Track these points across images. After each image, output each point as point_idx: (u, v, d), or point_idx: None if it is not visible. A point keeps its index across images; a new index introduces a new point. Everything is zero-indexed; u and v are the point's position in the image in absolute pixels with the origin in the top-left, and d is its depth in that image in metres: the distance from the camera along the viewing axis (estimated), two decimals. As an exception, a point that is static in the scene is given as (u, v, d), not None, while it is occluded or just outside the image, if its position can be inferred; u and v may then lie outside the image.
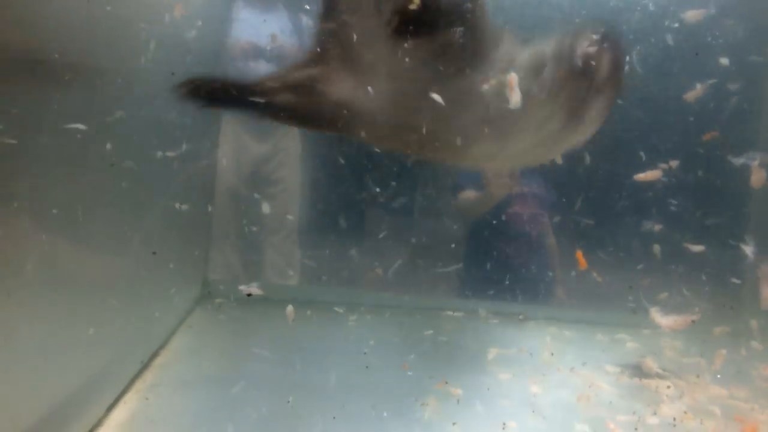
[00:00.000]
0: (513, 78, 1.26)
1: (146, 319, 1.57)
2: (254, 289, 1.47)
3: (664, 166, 1.88)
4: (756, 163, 1.63)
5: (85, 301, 1.15)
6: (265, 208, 2.22)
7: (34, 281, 0.93)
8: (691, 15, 1.79)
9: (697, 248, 1.87)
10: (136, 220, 1.40)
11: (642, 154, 2.05)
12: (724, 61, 1.91)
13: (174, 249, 1.81)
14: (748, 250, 1.65)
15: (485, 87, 1.30)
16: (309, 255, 2.44)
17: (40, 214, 0.94)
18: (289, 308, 1.55)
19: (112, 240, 1.26)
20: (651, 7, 2.11)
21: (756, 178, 1.63)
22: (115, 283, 1.30)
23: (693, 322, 1.58)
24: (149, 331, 1.59)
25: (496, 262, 2.27)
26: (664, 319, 1.54)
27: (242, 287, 1.46)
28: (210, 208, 2.28)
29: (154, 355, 1.57)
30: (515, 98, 1.27)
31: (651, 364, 1.74)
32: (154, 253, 1.55)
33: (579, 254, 2.13)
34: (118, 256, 1.32)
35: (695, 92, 1.82)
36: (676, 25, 2.10)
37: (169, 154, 1.63)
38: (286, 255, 2.53)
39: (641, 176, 1.82)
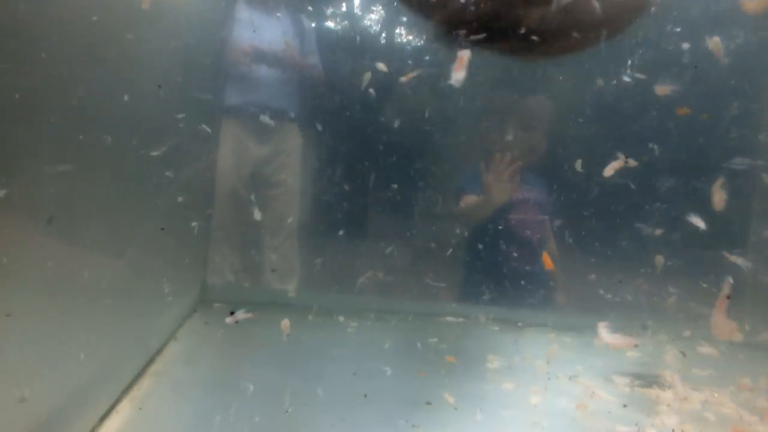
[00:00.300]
0: (465, 54, 1.23)
1: (142, 324, 1.56)
2: (241, 315, 1.45)
3: (622, 156, 1.86)
4: (718, 184, 1.62)
5: (79, 306, 1.13)
6: (257, 215, 2.20)
7: (27, 286, 0.92)
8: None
9: (740, 260, 1.85)
10: (132, 223, 1.39)
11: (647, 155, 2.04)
12: (686, 45, 1.91)
13: (172, 252, 1.80)
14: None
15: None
16: (309, 258, 2.44)
17: (35, 218, 0.93)
18: (285, 322, 1.54)
19: (108, 243, 1.25)
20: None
21: (717, 199, 1.62)
22: (111, 287, 1.28)
23: (636, 345, 1.62)
24: (145, 338, 1.58)
25: (497, 268, 2.26)
26: (609, 337, 1.55)
27: (228, 319, 1.43)
28: (209, 212, 2.27)
29: (150, 361, 1.56)
30: (459, 76, 1.23)
31: (654, 372, 1.73)
32: (162, 229, 1.54)
33: (545, 256, 2.11)
34: (114, 259, 1.30)
35: (666, 88, 1.81)
36: (678, 29, 2.10)
37: (168, 156, 1.62)
38: (285, 258, 2.52)
39: (608, 170, 1.79)
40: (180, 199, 1.75)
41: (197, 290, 2.16)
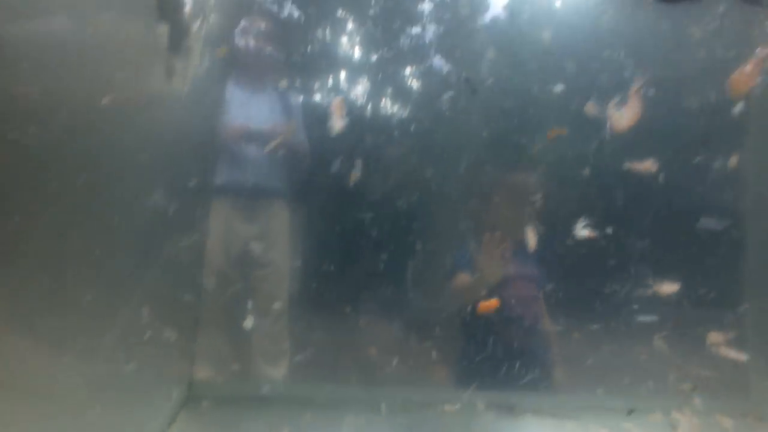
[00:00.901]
0: (338, 102, 1.24)
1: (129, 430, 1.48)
2: None
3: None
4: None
5: (59, 414, 1.07)
6: (248, 323, 2.15)
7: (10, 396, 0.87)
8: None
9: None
10: (114, 318, 1.34)
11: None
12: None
13: (157, 349, 1.74)
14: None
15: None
16: (299, 343, 2.37)
17: (10, 318, 0.90)
18: None
19: (88, 343, 1.20)
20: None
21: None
22: (95, 393, 1.22)
23: None
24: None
25: (492, 350, 2.21)
26: None
27: None
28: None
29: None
30: (337, 124, 1.24)
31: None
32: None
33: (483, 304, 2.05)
34: (96, 360, 1.25)
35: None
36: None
37: (155, 241, 1.60)
38: (275, 341, 2.45)
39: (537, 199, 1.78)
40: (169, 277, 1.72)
41: (185, 387, 2.08)
